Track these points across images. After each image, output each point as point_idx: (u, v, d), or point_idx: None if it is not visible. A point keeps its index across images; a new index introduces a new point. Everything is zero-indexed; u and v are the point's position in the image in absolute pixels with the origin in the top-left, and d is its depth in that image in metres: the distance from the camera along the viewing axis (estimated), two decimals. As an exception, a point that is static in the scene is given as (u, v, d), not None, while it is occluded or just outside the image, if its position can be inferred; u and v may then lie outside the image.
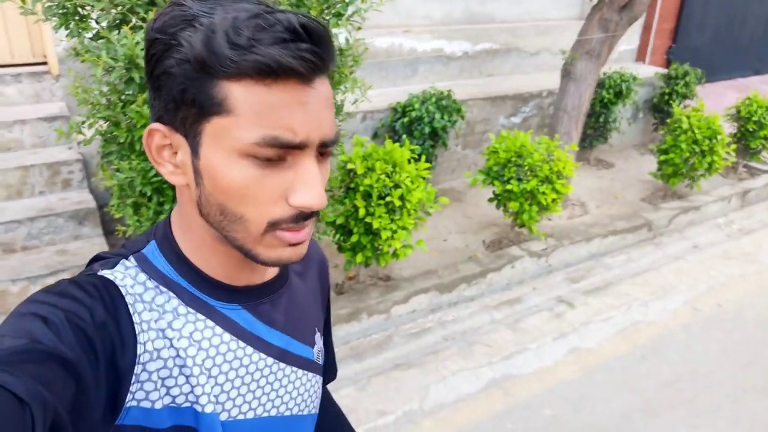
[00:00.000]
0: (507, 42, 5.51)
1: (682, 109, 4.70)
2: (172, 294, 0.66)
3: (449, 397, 2.86)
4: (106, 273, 0.64)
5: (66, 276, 3.05)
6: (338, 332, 3.11)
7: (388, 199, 3.02)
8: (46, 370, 0.50)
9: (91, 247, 3.22)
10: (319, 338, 0.83)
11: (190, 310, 0.66)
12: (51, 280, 2.98)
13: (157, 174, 2.21)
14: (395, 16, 4.90)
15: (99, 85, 2.16)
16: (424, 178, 3.22)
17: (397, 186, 3.05)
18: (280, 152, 0.57)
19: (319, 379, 0.82)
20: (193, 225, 0.67)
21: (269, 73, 0.55)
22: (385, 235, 3.04)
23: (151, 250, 0.69)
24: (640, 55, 6.51)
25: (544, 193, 3.46)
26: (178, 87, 0.58)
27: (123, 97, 2.17)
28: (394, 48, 4.87)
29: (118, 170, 2.25)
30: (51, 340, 0.52)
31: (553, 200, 3.55)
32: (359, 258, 3.17)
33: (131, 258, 0.67)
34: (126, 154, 2.29)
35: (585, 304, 3.68)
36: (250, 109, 0.56)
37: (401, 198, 3.06)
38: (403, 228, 3.14)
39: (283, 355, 0.74)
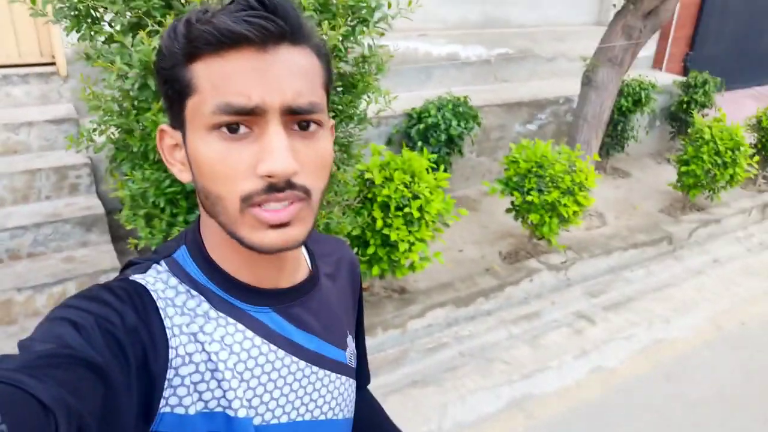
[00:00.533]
0: (523, 47, 5.40)
1: (702, 118, 4.58)
2: (202, 298, 0.66)
3: (469, 417, 2.75)
4: (137, 277, 0.64)
5: (72, 285, 2.96)
6: (353, 347, 3.00)
7: (406, 210, 2.91)
8: (73, 375, 0.49)
9: (99, 254, 3.12)
10: (351, 341, 0.82)
11: (221, 314, 0.66)
12: (57, 289, 2.88)
13: (171, 184, 2.11)
14: (410, 20, 4.79)
15: (111, 91, 2.05)
16: (442, 188, 3.11)
17: (415, 197, 2.95)
18: (239, 119, 0.57)
19: (352, 382, 0.81)
20: (207, 223, 0.67)
21: (222, 43, 0.56)
22: (402, 247, 2.93)
23: (182, 254, 0.69)
24: (657, 62, 6.39)
25: (565, 205, 3.35)
26: (165, 86, 0.61)
27: (137, 103, 2.06)
28: (408, 52, 4.76)
29: (130, 180, 2.15)
30: (80, 345, 0.52)
31: (575, 212, 3.44)
32: (375, 270, 3.07)
33: (162, 262, 0.67)
34: (139, 164, 2.18)
35: (605, 320, 3.57)
36: (209, 82, 0.57)
37: (420, 209, 2.95)
38: (421, 240, 3.04)
39: (315, 359, 0.73)
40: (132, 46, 1.81)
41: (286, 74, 0.58)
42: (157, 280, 0.64)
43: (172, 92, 0.61)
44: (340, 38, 1.96)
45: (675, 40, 6.33)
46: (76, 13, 1.91)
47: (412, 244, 2.99)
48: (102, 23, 1.98)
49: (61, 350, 0.51)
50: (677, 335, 3.46)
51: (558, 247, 3.67)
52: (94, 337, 0.54)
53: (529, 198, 3.41)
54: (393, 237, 2.90)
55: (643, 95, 5.03)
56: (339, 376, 0.77)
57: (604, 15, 5.92)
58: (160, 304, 0.62)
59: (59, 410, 0.45)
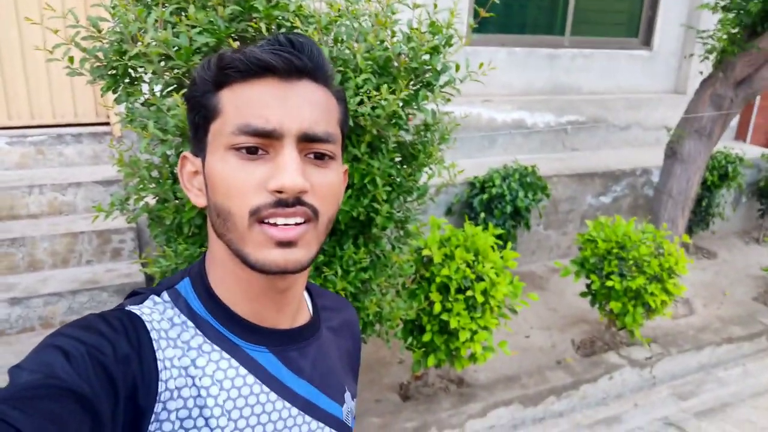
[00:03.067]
0: (594, 115, 5.08)
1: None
2: (198, 331, 0.65)
3: None
4: (133, 308, 0.64)
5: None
6: (402, 450, 2.61)
7: (468, 293, 2.57)
8: (59, 406, 0.49)
9: (133, 326, 2.90)
10: (349, 399, 0.79)
11: (215, 347, 0.65)
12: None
13: (205, 262, 1.87)
14: (474, 85, 4.57)
15: (150, 156, 1.86)
16: (508, 268, 2.76)
17: (479, 278, 2.60)
18: (256, 140, 0.60)
19: None
20: (215, 251, 0.68)
21: (250, 70, 0.61)
22: (463, 336, 2.57)
23: (185, 285, 0.69)
24: (741, 134, 5.91)
25: (653, 293, 2.91)
26: (192, 113, 0.66)
27: (174, 171, 1.86)
28: (471, 118, 4.52)
29: (162, 256, 1.92)
30: (69, 375, 0.52)
31: (663, 302, 3.00)
32: (431, 360, 2.71)
33: (164, 294, 0.67)
34: (173, 237, 1.96)
35: (699, 430, 3.04)
36: (233, 105, 0.62)
37: (484, 293, 2.60)
38: (485, 328, 2.67)
39: (308, 407, 0.71)
40: (168, 110, 1.61)
41: (306, 104, 0.63)
42: (153, 311, 0.64)
43: (199, 118, 0.65)
44: (401, 103, 1.70)
45: (761, 110, 5.86)
46: (114, 72, 1.74)
47: (474, 332, 2.63)
48: (140, 84, 1.80)
49: (49, 381, 0.51)
50: (790, 455, 2.89)
51: (643, 341, 3.20)
52: (84, 368, 0.53)
53: (609, 283, 3.00)
54: (453, 324, 2.55)
55: (730, 169, 4.58)
56: (333, 431, 0.74)
57: (683, 83, 5.55)
58: (153, 335, 0.61)
59: None
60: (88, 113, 3.57)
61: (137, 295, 0.68)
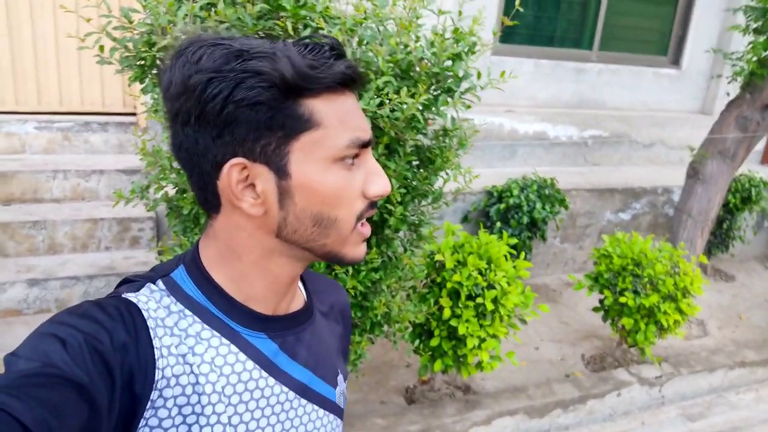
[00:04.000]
0: (618, 130, 5.04)
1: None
2: (196, 318, 0.66)
3: None
4: (130, 296, 0.64)
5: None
6: (404, 453, 2.62)
7: (478, 300, 2.57)
8: (57, 395, 0.49)
9: (147, 314, 2.95)
10: (341, 381, 0.81)
11: (215, 333, 0.66)
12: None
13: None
14: (497, 95, 4.55)
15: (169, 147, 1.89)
16: (521, 278, 2.75)
17: (490, 286, 2.60)
18: (360, 151, 0.65)
19: (340, 423, 0.80)
20: (244, 253, 0.68)
21: (338, 85, 0.64)
22: (471, 343, 2.57)
23: (180, 273, 0.69)
24: (766, 157, 5.82)
25: (666, 312, 2.89)
26: (265, 115, 0.61)
27: (194, 162, 1.89)
28: (493, 128, 4.51)
29: (179, 245, 1.96)
30: (66, 364, 0.52)
31: (676, 321, 2.97)
32: (438, 365, 2.71)
33: (159, 282, 0.67)
34: (190, 227, 2.00)
35: (707, 452, 3.00)
36: (335, 118, 0.63)
37: (494, 301, 2.60)
38: (494, 336, 2.67)
39: (304, 391, 0.73)
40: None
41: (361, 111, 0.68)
42: (149, 299, 0.64)
43: (277, 125, 0.62)
44: (420, 107, 1.72)
45: (789, 134, 5.76)
46: (142, 63, 1.78)
47: (483, 340, 2.63)
48: (168, 75, 1.84)
49: (46, 369, 0.51)
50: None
51: (653, 359, 3.17)
52: (81, 356, 0.54)
53: (622, 299, 2.98)
54: (461, 330, 2.55)
55: (753, 192, 4.52)
56: (327, 413, 0.76)
57: (709, 103, 5.48)
58: (150, 323, 0.61)
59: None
60: (115, 103, 3.64)
61: (130, 282, 0.68)
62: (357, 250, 0.69)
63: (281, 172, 0.63)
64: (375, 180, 0.66)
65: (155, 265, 0.73)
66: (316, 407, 0.74)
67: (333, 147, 0.63)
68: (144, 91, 1.80)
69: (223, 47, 0.61)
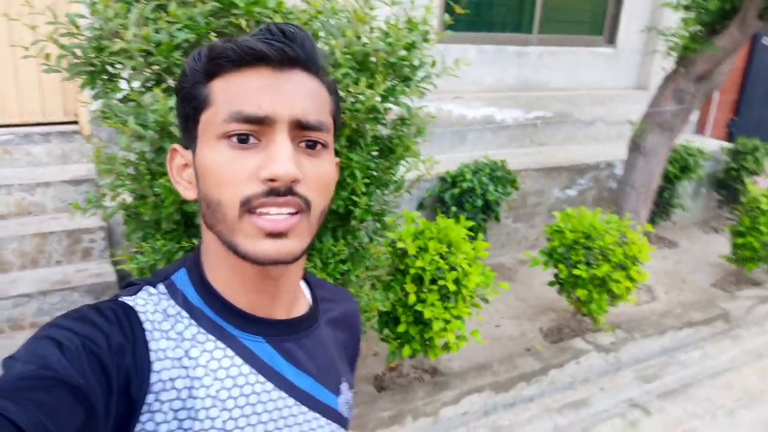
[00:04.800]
0: (561, 110, 5.21)
1: (755, 186, 4.27)
2: (192, 321, 0.65)
3: None
4: (127, 299, 0.64)
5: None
6: (380, 439, 2.67)
7: (441, 283, 2.64)
8: (53, 398, 0.49)
9: (108, 325, 2.88)
10: (346, 390, 0.79)
11: (210, 337, 0.65)
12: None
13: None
14: (444, 82, 4.63)
15: (126, 153, 1.86)
16: (480, 258, 2.84)
17: (452, 268, 2.67)
18: (248, 128, 0.60)
19: None
20: (207, 242, 0.68)
21: (242, 60, 0.61)
22: (437, 326, 2.64)
23: (181, 276, 0.69)
24: (700, 128, 6.14)
25: (617, 280, 3.03)
26: (182, 102, 0.66)
27: (152, 168, 1.86)
28: (442, 114, 4.59)
29: (139, 252, 1.93)
30: (63, 367, 0.52)
31: (627, 288, 3.12)
32: (406, 351, 2.77)
33: (159, 285, 0.67)
34: (151, 233, 1.97)
35: (662, 410, 3.18)
36: (225, 95, 0.61)
37: (456, 282, 2.67)
38: (458, 317, 2.74)
39: (304, 398, 0.71)
40: (148, 105, 1.62)
41: (298, 92, 0.62)
42: (147, 302, 0.64)
43: (189, 110, 0.65)
44: (379, 98, 1.75)
45: (720, 105, 6.09)
46: (92, 68, 1.74)
47: (448, 321, 2.70)
48: (119, 80, 1.81)
49: (43, 372, 0.51)
50: (746, 432, 3.05)
51: (603, 326, 3.32)
52: (78, 359, 0.53)
53: (576, 272, 3.11)
54: (427, 314, 2.61)
55: (690, 162, 4.76)
56: (329, 422, 0.73)
57: (644, 79, 5.73)
58: (146, 326, 0.61)
59: None
60: (56, 112, 3.52)
61: (133, 285, 0.68)
62: (255, 245, 0.61)
63: (194, 154, 0.65)
64: (270, 162, 0.59)
65: (159, 269, 0.74)
66: (316, 415, 0.72)
67: (216, 124, 0.61)
68: (96, 97, 1.76)
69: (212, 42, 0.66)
